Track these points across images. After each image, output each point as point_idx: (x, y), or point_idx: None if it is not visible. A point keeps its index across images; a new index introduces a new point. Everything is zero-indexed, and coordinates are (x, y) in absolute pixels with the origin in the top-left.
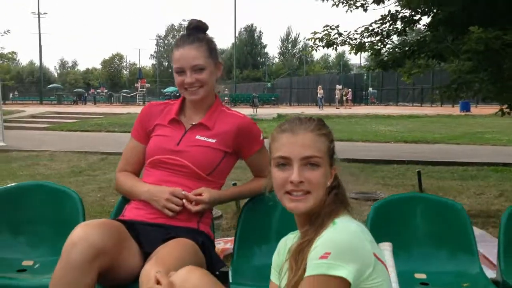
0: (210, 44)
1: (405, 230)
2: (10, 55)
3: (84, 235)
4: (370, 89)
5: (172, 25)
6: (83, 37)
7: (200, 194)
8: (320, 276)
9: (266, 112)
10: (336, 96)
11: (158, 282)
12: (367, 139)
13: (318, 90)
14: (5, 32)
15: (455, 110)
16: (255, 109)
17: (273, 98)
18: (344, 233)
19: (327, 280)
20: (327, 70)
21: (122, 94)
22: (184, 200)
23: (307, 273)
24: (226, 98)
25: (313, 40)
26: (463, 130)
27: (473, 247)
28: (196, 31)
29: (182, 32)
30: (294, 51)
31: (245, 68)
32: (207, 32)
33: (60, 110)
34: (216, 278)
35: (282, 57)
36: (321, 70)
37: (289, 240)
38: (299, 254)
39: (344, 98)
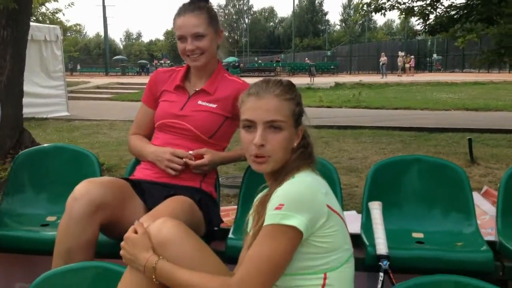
0: (210, 12)
1: (404, 191)
2: (75, 27)
3: (85, 191)
4: (435, 55)
5: None
6: (146, 8)
7: (202, 155)
8: (275, 226)
9: (324, 81)
10: (399, 63)
11: (136, 232)
12: (426, 107)
13: (380, 57)
14: (69, 5)
15: None
16: (312, 78)
17: (332, 67)
18: (298, 186)
19: (280, 229)
20: (390, 36)
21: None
22: (186, 160)
23: (264, 223)
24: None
25: (360, 5)
26: None
27: (470, 208)
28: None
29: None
30: (356, 17)
31: (305, 37)
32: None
33: (123, 81)
34: (214, 233)
35: (343, 24)
36: (385, 36)
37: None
38: (261, 206)
39: (407, 65)
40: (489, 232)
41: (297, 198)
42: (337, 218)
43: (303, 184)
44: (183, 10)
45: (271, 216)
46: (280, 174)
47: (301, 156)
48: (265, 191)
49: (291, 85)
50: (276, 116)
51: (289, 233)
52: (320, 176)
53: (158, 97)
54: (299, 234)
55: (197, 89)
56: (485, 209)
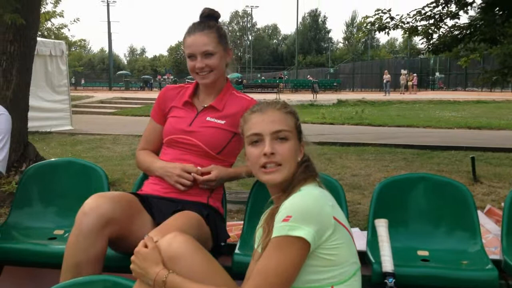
0: (219, 31)
1: (409, 208)
2: (80, 42)
3: (95, 206)
4: (437, 73)
5: (236, 11)
6: (150, 24)
7: (209, 172)
8: (283, 237)
9: (327, 98)
10: (401, 81)
11: (146, 246)
12: (429, 125)
13: (384, 75)
14: (74, 21)
15: None
16: (314, 95)
17: (335, 84)
18: (305, 198)
19: (289, 240)
20: (393, 54)
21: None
22: (194, 175)
23: (272, 235)
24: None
25: (364, 24)
26: None
27: (475, 227)
28: (208, 19)
29: (193, 21)
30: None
31: (309, 54)
32: (219, 19)
33: (127, 96)
34: (221, 249)
35: (346, 42)
36: (388, 55)
37: None
38: (271, 219)
39: (409, 83)
40: (493, 251)
41: (304, 210)
42: (343, 230)
43: (310, 197)
44: (193, 29)
45: (279, 228)
46: (288, 187)
47: (306, 170)
48: (272, 206)
49: (287, 104)
50: (282, 126)
51: (297, 244)
52: (326, 189)
53: (167, 113)
54: (307, 245)
55: (205, 106)
56: (488, 228)
